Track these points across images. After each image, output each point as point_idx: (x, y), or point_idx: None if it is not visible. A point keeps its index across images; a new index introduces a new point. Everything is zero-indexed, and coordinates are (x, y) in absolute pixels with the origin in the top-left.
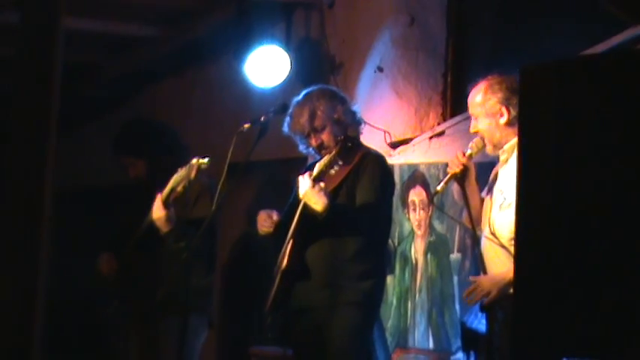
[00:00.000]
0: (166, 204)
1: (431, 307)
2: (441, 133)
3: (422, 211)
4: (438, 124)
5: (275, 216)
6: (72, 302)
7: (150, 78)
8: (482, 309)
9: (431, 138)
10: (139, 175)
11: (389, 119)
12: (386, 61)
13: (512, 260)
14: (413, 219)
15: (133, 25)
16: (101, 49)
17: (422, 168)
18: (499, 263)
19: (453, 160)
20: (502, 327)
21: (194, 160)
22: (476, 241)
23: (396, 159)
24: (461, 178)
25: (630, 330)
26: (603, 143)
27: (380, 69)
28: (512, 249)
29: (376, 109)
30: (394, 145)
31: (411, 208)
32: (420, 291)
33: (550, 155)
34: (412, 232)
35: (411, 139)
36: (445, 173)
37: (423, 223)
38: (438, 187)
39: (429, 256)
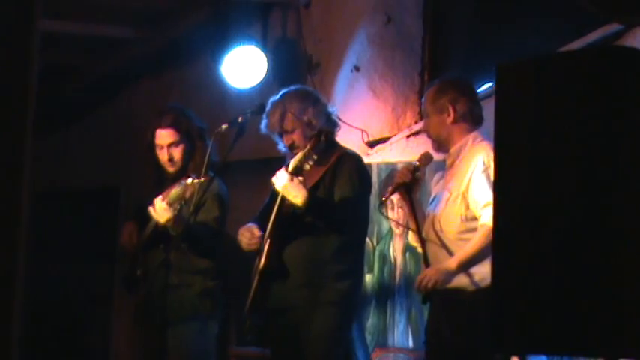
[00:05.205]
0: (171, 205)
1: (410, 306)
2: (418, 132)
3: (400, 210)
4: (415, 122)
5: (257, 231)
6: (51, 305)
7: (127, 79)
8: (424, 301)
9: (408, 137)
10: (172, 158)
11: (366, 118)
12: (362, 60)
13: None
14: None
15: (110, 26)
16: (78, 51)
17: (399, 167)
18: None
19: (402, 170)
20: (449, 319)
21: (189, 181)
22: (422, 243)
23: (374, 158)
24: (408, 188)
25: (609, 325)
26: (579, 140)
27: (357, 68)
28: (458, 243)
29: (353, 108)
30: (371, 144)
31: (389, 207)
32: (400, 290)
33: (526, 153)
34: (390, 231)
35: (388, 138)
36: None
37: (401, 222)
38: (384, 198)
39: (407, 254)
